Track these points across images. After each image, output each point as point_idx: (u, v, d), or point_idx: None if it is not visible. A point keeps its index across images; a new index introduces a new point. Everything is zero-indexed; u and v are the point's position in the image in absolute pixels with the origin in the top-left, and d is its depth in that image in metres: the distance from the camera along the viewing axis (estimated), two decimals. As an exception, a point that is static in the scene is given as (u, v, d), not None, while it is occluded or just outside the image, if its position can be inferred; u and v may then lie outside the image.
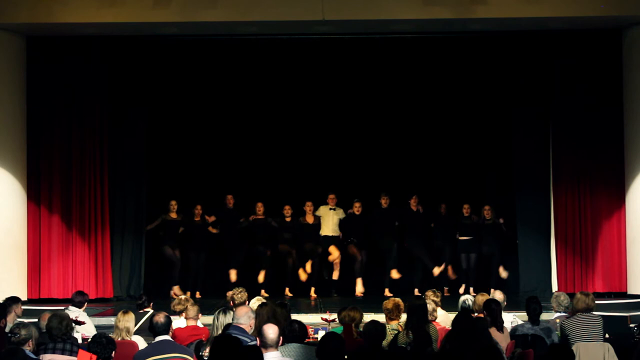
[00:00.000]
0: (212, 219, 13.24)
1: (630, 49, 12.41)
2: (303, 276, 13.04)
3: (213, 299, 12.42)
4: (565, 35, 12.70)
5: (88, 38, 12.47)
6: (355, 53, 13.37)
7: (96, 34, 12.33)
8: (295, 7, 11.68)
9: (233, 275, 12.94)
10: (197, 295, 12.95)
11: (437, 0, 11.71)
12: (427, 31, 12.64)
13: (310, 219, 13.24)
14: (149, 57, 13.10)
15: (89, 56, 12.61)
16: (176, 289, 12.85)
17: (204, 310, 8.62)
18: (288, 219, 13.19)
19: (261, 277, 12.91)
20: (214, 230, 13.26)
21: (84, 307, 9.07)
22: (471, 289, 12.86)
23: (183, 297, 8.86)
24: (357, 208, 13.22)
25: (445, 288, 12.92)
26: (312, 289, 13.16)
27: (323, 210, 13.27)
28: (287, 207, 13.17)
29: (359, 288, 13.02)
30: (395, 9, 11.75)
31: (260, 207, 13.21)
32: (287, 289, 13.12)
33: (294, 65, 13.56)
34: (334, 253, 13.10)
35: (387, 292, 12.90)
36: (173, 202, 13.08)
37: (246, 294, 8.78)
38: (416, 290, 12.90)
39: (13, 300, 8.68)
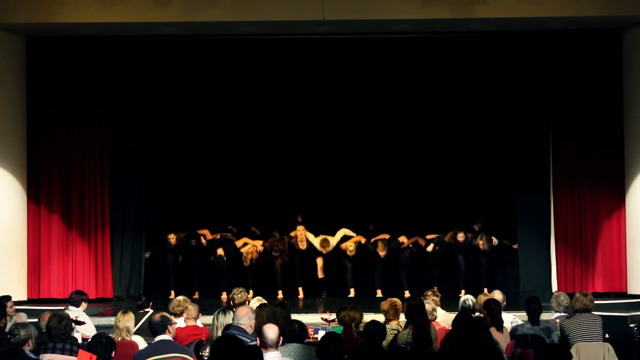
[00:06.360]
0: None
1: (630, 49, 12.41)
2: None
3: (213, 299, 12.44)
4: (565, 35, 12.69)
5: (88, 38, 12.48)
6: (355, 53, 13.37)
7: (96, 34, 12.33)
8: (295, 7, 11.69)
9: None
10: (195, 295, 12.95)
11: (437, 0, 11.71)
12: (427, 31, 12.64)
13: (303, 246, 13.06)
14: (148, 57, 13.11)
15: (89, 56, 12.61)
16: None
17: (204, 310, 8.62)
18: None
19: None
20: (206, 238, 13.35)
21: (81, 307, 9.01)
22: (463, 291, 12.81)
23: (181, 298, 8.85)
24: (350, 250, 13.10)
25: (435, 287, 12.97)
26: (300, 288, 13.12)
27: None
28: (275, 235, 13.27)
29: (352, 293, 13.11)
30: (395, 9, 11.75)
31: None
32: (279, 291, 13.02)
33: (294, 65, 13.55)
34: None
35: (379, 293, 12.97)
36: (171, 236, 13.07)
37: (246, 294, 8.80)
38: (406, 292, 12.74)
39: (5, 299, 8.70)
